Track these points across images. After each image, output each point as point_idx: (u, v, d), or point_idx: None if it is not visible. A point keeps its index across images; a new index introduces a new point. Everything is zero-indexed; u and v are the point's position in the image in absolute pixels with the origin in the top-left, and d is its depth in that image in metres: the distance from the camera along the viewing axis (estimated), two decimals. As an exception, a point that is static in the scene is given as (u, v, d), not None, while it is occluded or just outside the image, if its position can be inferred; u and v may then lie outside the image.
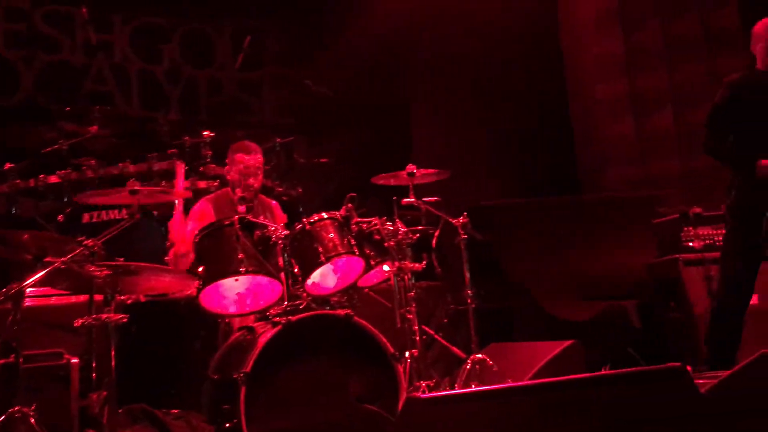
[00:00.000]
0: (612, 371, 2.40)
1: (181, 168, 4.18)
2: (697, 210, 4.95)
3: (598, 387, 2.01)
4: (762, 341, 4.17)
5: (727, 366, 3.58)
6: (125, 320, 3.00)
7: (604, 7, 6.83)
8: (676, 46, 6.46)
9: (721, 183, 4.09)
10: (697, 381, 2.68)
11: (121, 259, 3.27)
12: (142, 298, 3.61)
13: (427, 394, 2.10)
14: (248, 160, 3.91)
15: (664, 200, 5.58)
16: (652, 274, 5.11)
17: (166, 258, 4.07)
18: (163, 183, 4.65)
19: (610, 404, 2.02)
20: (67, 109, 5.57)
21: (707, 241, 4.84)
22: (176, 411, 3.33)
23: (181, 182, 4.02)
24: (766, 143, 3.72)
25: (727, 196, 3.90)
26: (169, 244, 4.08)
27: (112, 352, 2.99)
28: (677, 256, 4.84)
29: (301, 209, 5.36)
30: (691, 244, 4.87)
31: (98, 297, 3.05)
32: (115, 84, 6.89)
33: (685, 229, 4.94)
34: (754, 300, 4.68)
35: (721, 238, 4.60)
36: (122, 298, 3.18)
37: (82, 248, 2.91)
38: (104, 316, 2.93)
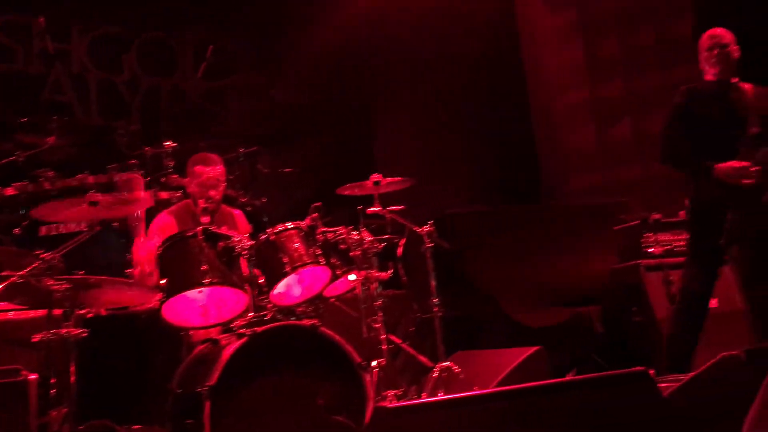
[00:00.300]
0: (577, 377, 2.42)
1: (139, 179, 4.10)
2: (657, 216, 5.05)
3: (564, 392, 2.03)
4: (721, 344, 4.26)
5: (683, 369, 3.65)
6: (85, 335, 2.94)
7: (564, 17, 6.95)
8: (634, 56, 6.60)
9: (679, 190, 4.18)
10: (660, 385, 2.72)
11: (81, 272, 3.21)
12: (103, 312, 3.54)
13: (395, 404, 2.10)
14: (208, 172, 3.85)
15: (625, 207, 5.68)
16: (615, 280, 5.18)
17: (128, 271, 4.00)
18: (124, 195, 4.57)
19: (575, 409, 2.04)
20: (24, 120, 5.45)
21: (667, 247, 4.94)
22: (139, 426, 3.26)
23: (140, 193, 3.94)
24: (720, 151, 3.81)
25: (687, 202, 3.98)
26: (134, 263, 4.01)
27: (72, 368, 2.92)
28: (638, 261, 4.93)
29: (265, 219, 5.32)
30: (651, 250, 4.96)
31: (57, 311, 2.99)
32: (73, 94, 6.76)
33: (646, 235, 5.04)
34: (714, 303, 4.80)
35: (681, 244, 4.71)
36: (82, 312, 3.11)
37: (39, 262, 2.84)
38: (63, 331, 2.87)
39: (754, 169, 3.69)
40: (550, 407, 2.00)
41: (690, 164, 3.90)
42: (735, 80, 3.95)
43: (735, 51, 3.97)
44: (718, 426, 2.18)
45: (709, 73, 4.00)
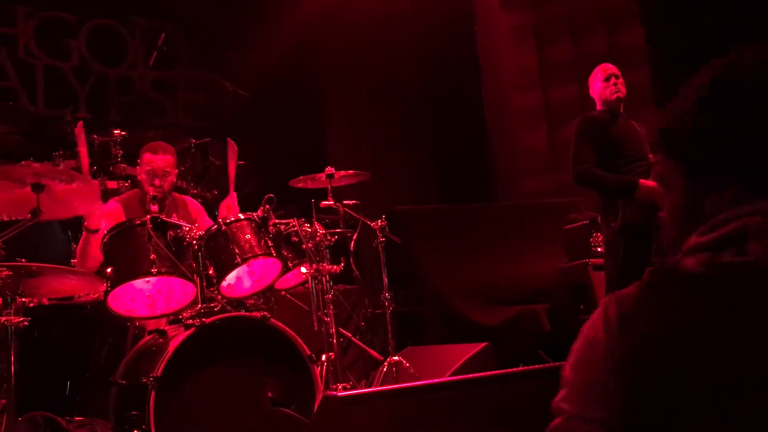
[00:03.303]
0: (519, 368, 2.46)
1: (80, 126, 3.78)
2: (603, 216, 5.16)
3: (511, 382, 2.06)
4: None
5: None
6: (26, 323, 2.85)
7: (519, 19, 7.05)
8: (585, 61, 6.73)
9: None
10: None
11: (23, 259, 3.11)
12: (45, 301, 3.43)
13: (343, 393, 2.09)
14: (156, 161, 3.77)
15: (574, 207, 5.78)
16: (563, 279, 5.27)
17: (73, 261, 3.89)
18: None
19: (523, 398, 2.07)
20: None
21: (614, 246, 5.04)
22: (81, 418, 3.17)
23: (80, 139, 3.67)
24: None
25: (608, 221, 4.05)
26: (75, 246, 3.90)
27: (12, 357, 2.83)
28: (586, 260, 5.03)
29: (216, 211, 5.24)
30: (599, 249, 5.06)
31: (-4, 299, 2.89)
32: (18, 80, 6.54)
33: (594, 234, 5.14)
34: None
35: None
36: (24, 300, 3.00)
37: (-21, 248, 2.74)
38: (3, 319, 2.78)
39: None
40: (497, 397, 2.03)
41: (613, 182, 4.01)
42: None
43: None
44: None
45: (600, 103, 4.26)
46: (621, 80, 4.24)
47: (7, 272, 2.85)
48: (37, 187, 3.00)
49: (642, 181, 3.92)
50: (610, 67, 4.29)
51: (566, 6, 6.97)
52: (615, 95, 4.18)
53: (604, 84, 4.23)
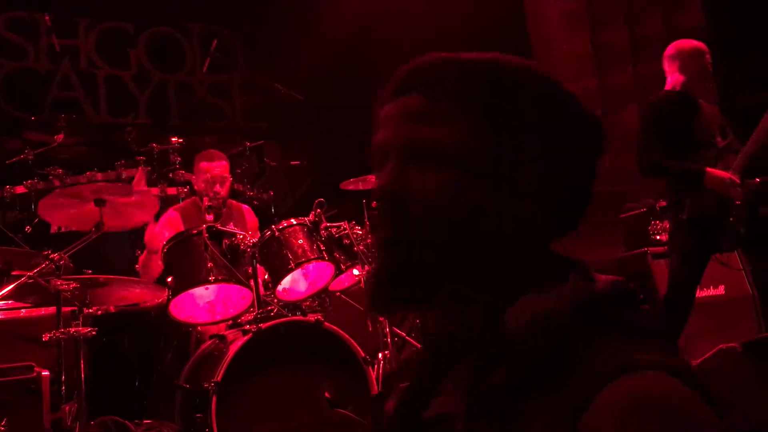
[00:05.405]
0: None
1: (141, 171, 4.08)
2: (663, 204, 5.03)
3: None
4: (728, 330, 4.27)
5: None
6: (94, 333, 2.99)
7: (571, 4, 6.91)
8: (641, 45, 6.56)
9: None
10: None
11: (89, 270, 3.26)
12: (112, 309, 3.59)
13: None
14: (213, 168, 3.89)
15: (632, 195, 5.66)
16: (622, 269, 5.18)
17: (137, 267, 4.05)
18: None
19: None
20: (33, 118, 5.51)
21: (674, 235, 4.92)
22: (149, 421, 3.32)
23: (139, 183, 3.90)
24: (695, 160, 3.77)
25: (675, 212, 3.84)
26: (139, 252, 4.05)
27: (81, 365, 2.98)
28: (645, 249, 4.92)
29: (273, 212, 5.36)
30: (658, 237, 4.95)
31: (67, 309, 3.04)
32: (82, 90, 6.80)
33: (653, 222, 5.03)
34: (721, 290, 4.79)
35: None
36: (91, 310, 3.16)
37: (47, 262, 2.89)
38: (72, 329, 2.92)
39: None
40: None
41: (682, 170, 3.75)
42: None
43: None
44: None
45: (679, 83, 3.89)
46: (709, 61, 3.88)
47: (75, 284, 2.99)
48: (100, 202, 3.14)
49: (709, 169, 3.68)
50: (702, 46, 3.90)
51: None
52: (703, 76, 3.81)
53: (690, 62, 3.82)
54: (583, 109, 0.88)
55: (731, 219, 3.65)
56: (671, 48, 3.98)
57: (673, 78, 3.92)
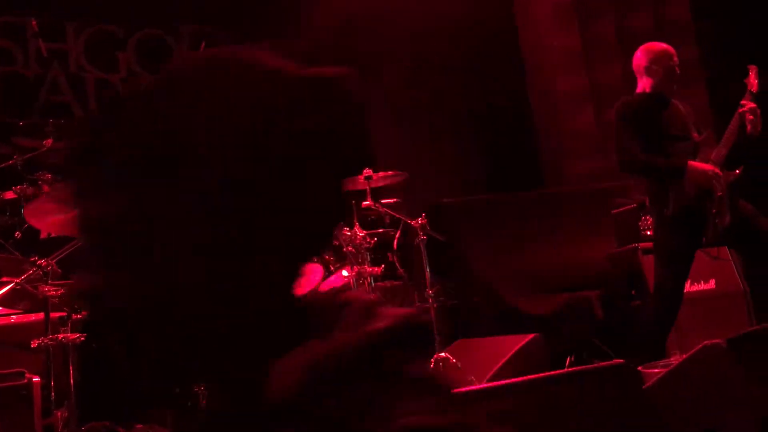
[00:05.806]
0: (555, 372, 2.45)
1: None
2: (648, 200, 5.05)
3: (543, 388, 2.06)
4: (717, 325, 4.29)
5: (657, 356, 3.60)
6: (82, 339, 2.99)
7: (560, 1, 6.91)
8: (630, 40, 6.57)
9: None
10: (651, 371, 2.75)
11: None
12: (102, 314, 3.58)
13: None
14: None
15: (622, 191, 5.67)
16: (613, 264, 5.19)
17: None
18: None
19: (559, 403, 2.08)
20: (21, 123, 5.49)
21: (664, 230, 4.93)
22: (140, 426, 3.31)
23: None
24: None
25: (658, 208, 3.87)
26: None
27: (71, 370, 2.98)
28: (636, 245, 4.94)
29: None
30: (649, 233, 4.97)
31: (56, 315, 3.04)
32: (72, 94, 6.78)
33: (643, 218, 5.04)
34: (711, 284, 4.81)
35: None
36: (80, 315, 3.15)
37: (34, 269, 2.89)
38: (60, 336, 2.92)
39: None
40: (530, 403, 2.03)
41: (663, 166, 3.79)
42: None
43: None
44: (700, 414, 2.21)
45: (648, 85, 3.97)
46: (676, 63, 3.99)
47: (62, 290, 2.99)
48: (86, 208, 3.13)
49: (691, 162, 3.74)
50: (669, 49, 4.02)
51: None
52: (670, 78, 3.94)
53: (656, 67, 3.95)
54: None
55: (713, 211, 3.68)
56: (638, 52, 4.07)
57: (643, 81, 4.01)
